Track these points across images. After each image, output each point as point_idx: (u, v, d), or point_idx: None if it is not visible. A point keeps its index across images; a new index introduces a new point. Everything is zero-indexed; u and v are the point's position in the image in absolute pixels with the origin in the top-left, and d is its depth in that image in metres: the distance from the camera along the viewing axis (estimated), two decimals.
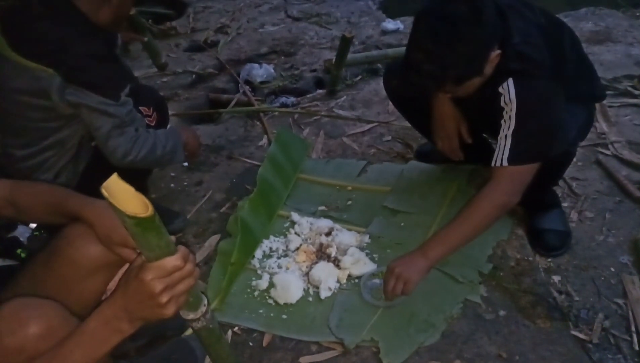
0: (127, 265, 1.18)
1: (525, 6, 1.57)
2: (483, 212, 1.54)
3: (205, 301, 1.00)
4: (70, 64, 1.50)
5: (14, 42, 1.51)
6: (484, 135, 2.02)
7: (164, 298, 0.84)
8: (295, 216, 2.00)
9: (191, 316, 0.98)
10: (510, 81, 1.50)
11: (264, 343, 1.59)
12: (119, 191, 0.72)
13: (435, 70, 1.43)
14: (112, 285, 1.27)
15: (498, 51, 1.47)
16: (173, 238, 0.84)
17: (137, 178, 1.97)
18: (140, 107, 1.75)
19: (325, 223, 1.95)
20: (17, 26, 1.53)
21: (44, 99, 1.53)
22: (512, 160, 1.51)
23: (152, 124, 1.80)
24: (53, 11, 1.53)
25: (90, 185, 1.53)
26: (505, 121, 1.53)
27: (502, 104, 1.53)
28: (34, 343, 0.95)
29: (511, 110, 1.51)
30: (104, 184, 0.72)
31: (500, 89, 1.53)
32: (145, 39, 2.45)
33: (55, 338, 0.94)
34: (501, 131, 1.54)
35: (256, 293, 1.73)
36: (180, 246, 0.87)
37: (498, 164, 1.53)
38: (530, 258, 1.80)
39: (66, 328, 0.96)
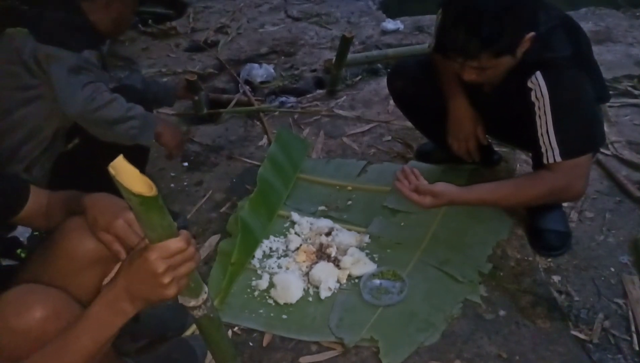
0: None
1: (545, 3, 1.58)
2: (535, 192, 1.56)
3: (206, 289, 1.01)
4: (44, 27, 1.60)
5: (10, 24, 1.64)
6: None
7: (167, 279, 0.85)
8: (295, 216, 2.00)
9: (192, 303, 0.99)
10: (539, 74, 1.51)
11: (264, 343, 1.59)
12: (125, 171, 0.75)
13: (489, 33, 1.41)
14: (107, 280, 1.27)
15: (532, 33, 1.47)
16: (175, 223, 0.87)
17: None
18: None
19: (325, 223, 1.95)
20: (20, 13, 1.68)
21: (15, 64, 1.60)
22: (566, 155, 1.51)
23: None
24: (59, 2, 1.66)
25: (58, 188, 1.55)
26: (540, 116, 1.53)
27: (533, 99, 1.53)
28: (40, 325, 0.96)
29: (544, 105, 1.51)
30: (112, 163, 0.75)
31: (529, 84, 1.53)
32: (196, 98, 2.55)
33: (60, 320, 0.96)
34: (539, 128, 1.54)
35: (256, 293, 1.73)
36: (183, 230, 0.89)
37: (552, 161, 1.53)
38: (530, 258, 1.80)
39: (70, 311, 0.99)
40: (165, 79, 2.44)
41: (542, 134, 1.54)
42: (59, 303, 1.00)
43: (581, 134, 1.54)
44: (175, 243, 0.85)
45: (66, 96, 1.59)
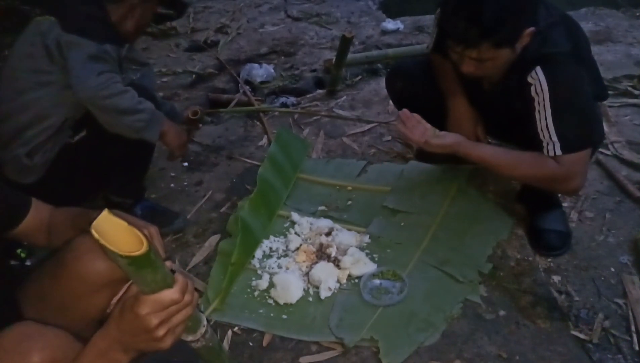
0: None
1: (544, 1, 1.60)
2: (534, 172, 1.58)
3: (204, 322, 0.98)
4: (70, 16, 1.66)
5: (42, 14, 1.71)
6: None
7: (160, 332, 0.82)
8: (295, 216, 2.00)
9: (190, 338, 0.97)
10: (539, 69, 1.52)
11: (264, 343, 1.59)
12: (110, 228, 0.69)
13: (489, 22, 1.42)
14: (115, 300, 1.26)
15: (532, 28, 1.49)
16: (169, 263, 0.82)
17: (135, 176, 1.98)
18: None
19: (325, 223, 1.95)
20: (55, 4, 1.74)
21: (37, 47, 1.65)
22: (566, 148, 1.52)
23: None
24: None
25: (54, 182, 1.55)
26: (539, 111, 1.54)
27: (533, 94, 1.54)
28: None
29: (543, 100, 1.53)
30: (94, 224, 0.68)
31: (529, 79, 1.54)
32: (201, 125, 2.62)
33: None
34: (538, 122, 1.55)
35: (256, 293, 1.73)
36: (178, 275, 0.84)
37: (552, 154, 1.54)
38: (530, 258, 1.80)
39: (69, 357, 0.95)
40: (170, 102, 2.48)
41: (541, 129, 1.55)
42: (57, 350, 0.97)
43: (580, 129, 1.55)
44: (169, 296, 0.80)
45: (80, 79, 1.62)
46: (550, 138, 1.53)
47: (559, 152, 1.53)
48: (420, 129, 1.66)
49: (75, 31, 1.63)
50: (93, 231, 0.68)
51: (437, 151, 1.66)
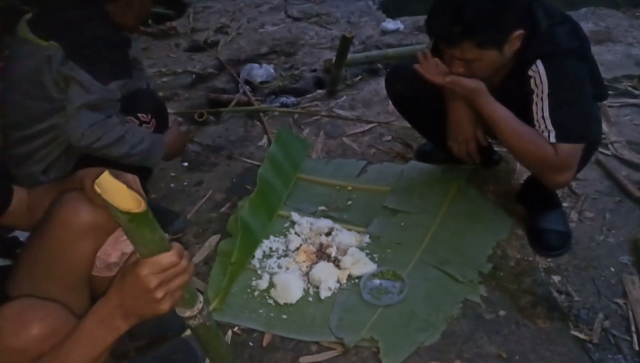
0: (118, 231, 1.21)
1: (544, 3, 1.61)
2: (532, 148, 1.56)
3: (201, 299, 1.00)
4: (75, 42, 1.60)
5: (35, 27, 1.64)
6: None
7: (160, 293, 0.84)
8: (295, 216, 2.00)
9: (187, 313, 0.99)
10: (539, 62, 1.53)
11: (264, 343, 1.59)
12: (111, 188, 0.73)
13: (471, 21, 1.44)
14: (100, 253, 1.27)
15: (521, 31, 1.49)
16: (166, 234, 0.86)
17: (141, 179, 1.98)
18: (138, 114, 1.79)
19: (325, 223, 1.95)
20: (44, 14, 1.70)
21: (43, 74, 1.61)
22: (561, 137, 1.52)
23: (151, 131, 1.83)
24: (81, 4, 1.66)
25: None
26: (536, 103, 1.55)
27: (533, 86, 1.55)
28: (37, 344, 0.95)
29: (542, 91, 1.53)
30: (97, 181, 0.73)
31: (530, 72, 1.55)
32: (216, 115, 2.67)
33: (58, 338, 0.95)
34: (535, 114, 1.55)
35: (256, 293, 1.73)
36: (175, 242, 0.88)
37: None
38: (530, 258, 1.80)
39: (68, 328, 0.97)
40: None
41: (537, 120, 1.55)
42: (57, 321, 0.99)
43: (577, 121, 1.55)
44: (167, 258, 0.84)
45: (74, 128, 1.58)
46: (546, 126, 1.54)
47: (553, 140, 1.53)
48: (438, 70, 1.63)
49: (80, 61, 1.58)
50: (96, 188, 0.72)
51: (457, 91, 1.63)
